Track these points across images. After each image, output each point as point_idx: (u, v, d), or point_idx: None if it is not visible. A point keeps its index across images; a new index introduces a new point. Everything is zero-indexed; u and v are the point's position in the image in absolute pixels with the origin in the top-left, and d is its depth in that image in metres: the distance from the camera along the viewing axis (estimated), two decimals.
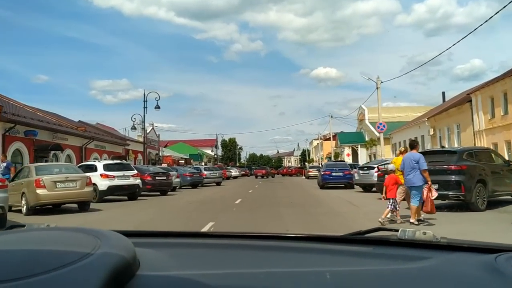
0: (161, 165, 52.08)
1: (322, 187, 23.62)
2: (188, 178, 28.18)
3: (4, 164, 16.14)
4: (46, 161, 31.00)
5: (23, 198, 12.44)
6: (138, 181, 17.65)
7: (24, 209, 12.46)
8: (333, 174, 23.45)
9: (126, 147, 46.01)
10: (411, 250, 1.09)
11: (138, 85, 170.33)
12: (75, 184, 12.61)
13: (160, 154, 60.38)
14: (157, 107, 32.69)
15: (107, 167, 17.29)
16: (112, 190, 16.84)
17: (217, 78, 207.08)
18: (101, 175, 16.81)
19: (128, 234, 1.03)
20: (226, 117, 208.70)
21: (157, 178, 20.57)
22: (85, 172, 17.55)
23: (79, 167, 18.85)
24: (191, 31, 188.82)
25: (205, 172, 31.30)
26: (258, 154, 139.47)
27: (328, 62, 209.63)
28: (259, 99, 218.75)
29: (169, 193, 21.83)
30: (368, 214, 11.13)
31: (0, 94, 37.06)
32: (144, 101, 32.71)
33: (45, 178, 12.23)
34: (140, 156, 50.59)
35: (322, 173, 24.01)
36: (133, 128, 33.71)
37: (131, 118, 33.48)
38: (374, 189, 18.43)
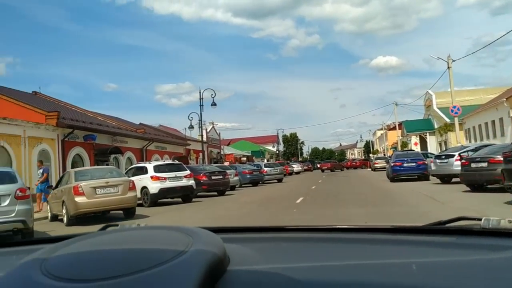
0: (222, 163, 51.26)
1: (392, 179, 21.14)
2: (248, 176, 26.55)
3: (41, 171, 15.17)
4: (107, 165, 30.61)
5: (64, 207, 11.20)
6: (191, 182, 16.15)
7: (65, 219, 11.22)
8: (405, 165, 20.88)
9: (187, 147, 45.30)
10: (496, 240, 1.05)
11: (200, 87, 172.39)
12: (117, 189, 11.20)
13: (222, 153, 59.51)
14: (213, 104, 31.35)
15: (158, 169, 15.91)
16: (164, 192, 15.43)
17: (276, 75, 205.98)
18: (151, 177, 15.46)
19: (213, 230, 0.98)
20: (287, 113, 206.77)
21: (213, 177, 19.04)
22: (135, 174, 16.34)
23: (130, 169, 17.68)
24: (248, 30, 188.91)
25: (266, 169, 29.54)
26: (321, 148, 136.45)
27: (387, 51, 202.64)
28: (319, 93, 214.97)
29: (227, 192, 20.28)
30: (462, 212, 8.84)
31: (58, 100, 37.32)
32: (200, 99, 31.53)
33: (83, 185, 10.89)
34: (201, 155, 49.88)
35: (392, 164, 21.49)
36: (191, 127, 32.60)
37: (188, 117, 32.40)
38: (454, 180, 15.97)
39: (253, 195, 18.20)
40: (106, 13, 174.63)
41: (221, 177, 19.39)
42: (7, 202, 7.93)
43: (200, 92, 31.57)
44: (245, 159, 64.28)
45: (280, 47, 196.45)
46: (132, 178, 16.23)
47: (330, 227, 1.31)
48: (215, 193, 19.61)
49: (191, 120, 32.15)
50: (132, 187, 11.60)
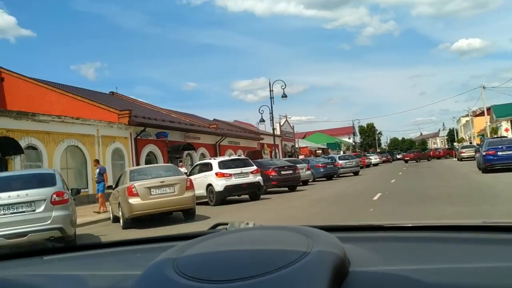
0: (297, 157, 49.87)
1: (484, 170, 18.57)
2: (321, 170, 24.96)
3: (97, 170, 14.61)
4: (180, 161, 30.41)
5: (120, 209, 10.44)
6: (258, 178, 14.95)
7: (121, 222, 10.46)
8: (499, 153, 18.22)
9: (261, 141, 44.41)
10: None
11: (273, 81, 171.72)
12: (173, 189, 10.11)
13: (296, 146, 58.08)
14: (284, 95, 30.03)
15: (223, 165, 14.86)
16: (229, 190, 14.36)
17: (351, 65, 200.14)
18: (216, 174, 14.46)
19: (324, 229, 0.96)
20: (363, 103, 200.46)
21: (282, 172, 17.75)
22: (201, 171, 15.46)
23: (195, 166, 16.85)
24: (321, 21, 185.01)
25: (340, 162, 27.72)
26: (400, 138, 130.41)
27: (470, 33, 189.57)
28: (397, 81, 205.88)
29: (298, 188, 18.90)
30: None
31: (134, 99, 37.86)
32: (270, 91, 30.32)
33: (137, 185, 9.95)
34: (276, 150, 48.83)
35: (484, 153, 18.88)
36: (261, 120, 31.54)
37: (259, 110, 31.32)
38: None
39: (325, 191, 16.68)
40: (182, 15, 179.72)
41: (291, 172, 18.04)
42: (42, 208, 7.05)
43: (270, 85, 30.40)
44: (320, 151, 62.39)
45: (354, 36, 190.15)
46: (198, 175, 15.42)
47: (447, 225, 1.21)
48: (286, 189, 18.33)
49: (261, 113, 31.13)
50: (190, 186, 10.55)
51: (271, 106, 30.49)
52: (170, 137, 28.88)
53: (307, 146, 61.45)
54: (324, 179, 25.16)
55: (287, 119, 53.93)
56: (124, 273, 0.97)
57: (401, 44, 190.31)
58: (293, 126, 56.50)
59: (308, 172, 22.02)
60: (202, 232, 1.30)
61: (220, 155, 35.42)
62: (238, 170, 14.65)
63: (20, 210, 6.92)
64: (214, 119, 44.60)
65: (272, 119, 30.58)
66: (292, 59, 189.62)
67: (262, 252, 0.81)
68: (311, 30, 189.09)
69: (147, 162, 26.85)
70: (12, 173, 9.03)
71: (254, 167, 15.21)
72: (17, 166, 18.12)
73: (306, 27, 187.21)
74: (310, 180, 23.78)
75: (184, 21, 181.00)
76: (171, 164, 13.59)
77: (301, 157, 48.04)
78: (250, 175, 14.72)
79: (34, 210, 7.01)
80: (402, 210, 9.59)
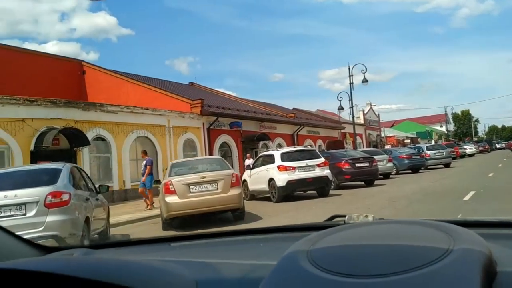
0: (382, 147, 46.62)
1: None
2: (406, 161, 22.28)
3: (144, 162, 13.51)
4: (256, 152, 29.20)
5: (160, 207, 9.21)
6: (326, 172, 13.06)
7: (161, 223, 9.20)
8: None
9: (342, 131, 41.94)
10: None
11: (357, 67, 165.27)
12: (215, 185, 8.63)
13: (382, 135, 54.59)
14: (364, 80, 27.51)
15: (286, 157, 13.19)
16: (292, 185, 12.64)
17: (444, 50, 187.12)
18: (278, 167, 12.85)
19: (461, 224, 0.91)
20: (458, 89, 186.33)
21: (357, 165, 15.66)
22: (264, 163, 13.95)
23: (258, 157, 15.32)
24: (410, 5, 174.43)
25: (428, 152, 24.71)
26: (500, 126, 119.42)
27: None
28: (496, 65, 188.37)
29: (377, 182, 16.71)
30: None
31: (213, 89, 37.27)
32: (350, 76, 27.95)
33: (175, 181, 8.57)
34: (359, 139, 46.02)
35: None
36: (340, 108, 29.18)
37: (337, 97, 29.02)
38: None
39: (407, 187, 14.32)
40: (268, 6, 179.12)
41: (367, 164, 15.88)
42: (33, 212, 5.79)
43: (349, 69, 28.03)
44: (409, 141, 58.20)
45: (448, 19, 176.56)
46: (260, 168, 13.91)
47: None
48: (362, 183, 16.24)
49: (340, 100, 28.82)
50: (236, 183, 8.88)
51: (351, 93, 28.16)
52: (245, 127, 27.73)
53: (394, 136, 57.58)
54: (409, 171, 22.50)
55: (372, 107, 50.67)
56: (252, 262, 0.98)
57: (500, 25, 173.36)
58: (379, 114, 53.05)
59: (390, 164, 19.60)
60: (319, 224, 1.33)
61: (298, 145, 33.81)
62: (303, 163, 12.90)
63: (8, 213, 5.75)
64: (294, 108, 42.91)
65: (351, 106, 28.26)
66: (381, 45, 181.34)
67: (399, 248, 0.78)
68: (401, 15, 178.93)
69: (221, 152, 25.98)
70: (12, 169, 8.00)
71: (322, 160, 13.34)
72: (86, 157, 17.89)
73: (395, 12, 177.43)
74: (393, 173, 21.33)
75: (271, 12, 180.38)
76: (218, 157, 12.17)
77: (387, 147, 44.82)
78: (316, 169, 12.91)
79: (24, 214, 5.79)
80: (504, 215, 7.30)
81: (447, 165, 24.94)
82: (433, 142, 56.55)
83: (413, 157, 22.47)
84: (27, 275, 0.88)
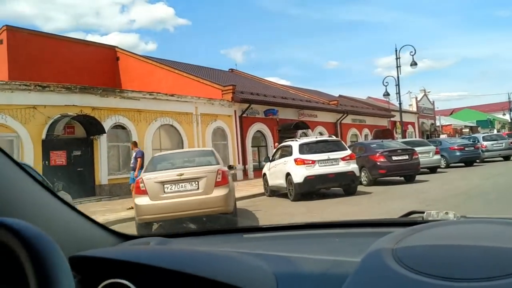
0: (437, 136, 43.21)
1: None
2: (457, 153, 19.61)
3: (134, 154, 12.03)
4: (277, 142, 27.36)
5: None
6: (352, 166, 11.03)
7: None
8: None
9: (391, 119, 39.05)
10: None
11: (422, 56, 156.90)
12: (195, 185, 6.99)
13: (438, 124, 50.87)
14: (413, 63, 24.80)
15: (306, 149, 11.29)
16: (311, 182, 10.71)
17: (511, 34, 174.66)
18: (295, 160, 10.95)
19: None
20: None
21: (394, 158, 13.46)
22: (282, 156, 12.18)
23: (277, 149, 13.52)
24: None
25: (485, 143, 21.79)
26: None
27: None
28: None
29: (421, 177, 14.46)
30: None
31: (253, 76, 35.61)
32: (396, 58, 25.32)
33: (146, 178, 7.01)
34: (411, 128, 42.89)
35: None
36: (386, 94, 26.57)
37: (382, 82, 26.45)
38: None
39: (452, 185, 12.04)
40: None
41: (406, 157, 13.62)
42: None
43: (396, 51, 25.40)
44: (467, 130, 54.04)
45: None
46: (278, 161, 12.17)
47: None
48: (402, 179, 14.09)
49: (386, 85, 26.21)
50: (222, 182, 7.11)
51: (398, 77, 25.49)
52: (282, 115, 25.95)
53: (451, 124, 53.53)
54: (462, 165, 19.87)
55: (426, 93, 47.10)
56: (331, 258, 0.94)
57: None
58: (433, 102, 49.31)
59: (436, 157, 17.15)
60: (395, 220, 1.31)
61: (343, 136, 31.60)
62: (324, 156, 10.97)
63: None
64: (340, 95, 40.52)
65: (398, 92, 25.61)
66: (440, 31, 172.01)
67: (496, 250, 0.73)
68: None
69: (255, 142, 24.42)
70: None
71: (347, 152, 11.34)
72: (103, 146, 16.87)
73: None
74: (441, 166, 18.87)
75: None
76: (209, 148, 10.45)
77: (442, 136, 41.40)
78: (340, 163, 10.94)
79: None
80: None
81: (506, 158, 21.93)
82: (494, 131, 52.14)
83: (466, 149, 19.74)
84: (108, 262, 0.93)
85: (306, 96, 32.23)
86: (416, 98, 44.80)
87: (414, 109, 44.22)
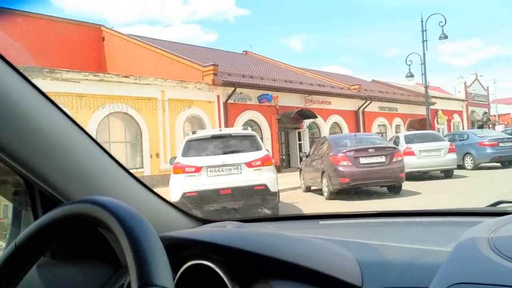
0: (491, 127, 37.01)
1: None
2: (488, 150, 14.58)
3: None
4: (299, 133, 23.10)
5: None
6: (264, 176, 6.86)
7: None
8: None
9: (432, 107, 33.38)
10: None
11: (491, 42, 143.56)
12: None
13: (495, 113, 44.23)
14: (443, 36, 19.61)
15: (192, 148, 7.32)
16: (191, 201, 6.85)
17: None
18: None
19: None
20: None
21: (362, 161, 8.94)
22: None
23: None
24: None
25: None
26: None
27: None
28: None
29: (417, 187, 9.96)
30: None
31: (269, 59, 31.36)
32: (423, 31, 20.17)
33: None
34: (457, 118, 36.91)
35: None
36: (409, 75, 21.42)
37: (406, 60, 21.27)
38: None
39: (461, 200, 7.63)
40: None
41: (382, 159, 9.13)
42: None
43: (422, 23, 20.26)
44: None
45: None
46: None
47: None
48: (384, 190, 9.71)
49: (409, 64, 21.03)
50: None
51: (424, 54, 20.37)
52: (286, 101, 21.76)
53: (510, 113, 46.50)
54: (498, 165, 14.84)
55: (478, 77, 40.64)
56: (416, 246, 0.90)
57: None
58: (488, 88, 42.62)
59: (451, 157, 12.40)
60: (481, 209, 1.25)
61: (365, 127, 26.86)
62: (217, 160, 6.91)
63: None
64: (373, 80, 35.43)
65: (424, 72, 20.42)
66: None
67: None
68: None
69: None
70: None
71: (262, 153, 7.11)
72: None
73: None
74: (468, 168, 14.16)
75: None
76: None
77: (497, 128, 35.16)
78: (245, 170, 6.83)
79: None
80: None
81: None
82: None
83: (501, 144, 14.66)
84: (190, 244, 0.95)
85: (319, 79, 27.70)
86: (466, 83, 38.58)
87: (463, 96, 38.11)
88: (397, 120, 29.96)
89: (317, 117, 22.36)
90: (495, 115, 44.62)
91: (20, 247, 0.69)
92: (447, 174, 12.56)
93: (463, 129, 34.60)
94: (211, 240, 0.93)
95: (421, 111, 32.56)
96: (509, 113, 46.12)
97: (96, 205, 0.65)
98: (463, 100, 37.40)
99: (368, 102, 26.67)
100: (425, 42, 20.21)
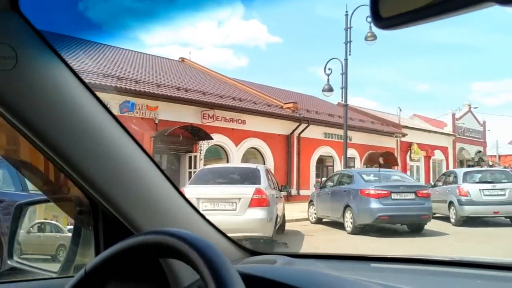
0: (489, 166, 30.49)
1: None
2: (374, 205, 8.93)
3: None
4: (190, 158, 17.50)
5: None
6: None
7: None
8: None
9: (402, 139, 27.20)
10: None
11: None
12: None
13: (493, 153, 37.70)
14: (370, 36, 13.80)
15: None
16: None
17: None
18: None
19: None
20: None
21: None
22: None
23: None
24: None
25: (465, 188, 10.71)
26: None
27: None
28: None
29: None
30: None
31: (204, 67, 26.02)
32: (347, 28, 14.43)
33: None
34: (440, 155, 30.56)
35: None
36: (327, 88, 15.22)
37: (324, 69, 15.11)
38: None
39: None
40: None
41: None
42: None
43: (346, 18, 14.54)
44: None
45: None
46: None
47: None
48: None
49: (328, 74, 15.00)
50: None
51: (345, 60, 14.59)
52: (171, 115, 16.37)
53: None
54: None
55: (471, 109, 34.27)
56: None
57: None
58: (484, 122, 36.10)
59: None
60: None
61: (299, 154, 21.09)
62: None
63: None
64: (338, 103, 29.64)
65: (344, 86, 14.57)
66: None
67: None
68: None
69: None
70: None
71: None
72: None
73: None
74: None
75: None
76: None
77: (501, 167, 28.73)
78: None
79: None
80: None
81: None
82: None
83: (394, 196, 8.85)
84: (259, 280, 0.96)
85: (255, 94, 22.15)
86: (454, 114, 32.29)
87: (449, 129, 31.83)
88: (352, 152, 23.99)
89: (211, 138, 16.75)
90: (494, 156, 38.04)
91: (90, 274, 0.73)
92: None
93: (447, 168, 28.26)
94: (261, 275, 0.95)
95: (389, 143, 26.62)
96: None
97: (175, 237, 0.68)
98: (448, 134, 31.09)
99: (305, 125, 20.90)
100: (348, 44, 14.48)
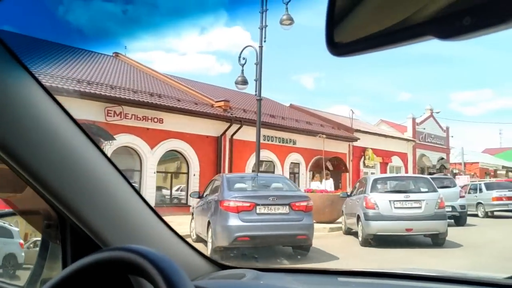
0: (452, 176, 28.61)
1: None
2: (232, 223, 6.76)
3: None
4: None
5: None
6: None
7: None
8: None
9: (355, 144, 25.14)
10: None
11: (504, 94, 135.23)
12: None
13: (458, 160, 35.91)
14: (286, 19, 11.61)
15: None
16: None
17: None
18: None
19: None
20: None
21: None
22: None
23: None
24: None
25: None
26: None
27: None
28: None
29: None
30: None
31: (139, 63, 23.52)
32: (262, 11, 12.29)
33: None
34: (397, 161, 28.59)
35: None
36: (241, 81, 13.08)
37: (239, 58, 12.97)
38: None
39: None
40: None
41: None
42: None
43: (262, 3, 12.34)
44: (503, 172, 38.59)
45: None
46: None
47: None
48: None
49: (243, 64, 12.70)
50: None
51: (260, 48, 12.39)
52: (77, 113, 13.79)
53: (478, 163, 38.04)
54: None
55: (433, 114, 32.47)
56: None
57: None
58: (447, 128, 34.37)
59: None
60: (498, 280, 1.19)
61: (231, 157, 18.81)
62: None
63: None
64: (291, 105, 27.57)
65: (259, 77, 12.38)
66: None
67: None
68: None
69: None
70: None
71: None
72: None
73: None
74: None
75: None
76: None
77: (462, 179, 26.78)
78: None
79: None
80: None
81: None
82: None
83: (259, 211, 6.61)
84: None
85: (186, 91, 19.80)
86: (414, 119, 30.42)
87: (409, 134, 29.94)
88: (295, 156, 21.79)
89: (114, 138, 14.32)
90: (460, 163, 36.30)
91: None
92: None
93: (404, 173, 26.21)
94: None
95: (340, 148, 24.47)
96: (478, 162, 37.68)
97: (136, 254, 0.67)
98: (407, 140, 29.17)
99: (237, 126, 18.61)
100: (264, 29, 12.26)
